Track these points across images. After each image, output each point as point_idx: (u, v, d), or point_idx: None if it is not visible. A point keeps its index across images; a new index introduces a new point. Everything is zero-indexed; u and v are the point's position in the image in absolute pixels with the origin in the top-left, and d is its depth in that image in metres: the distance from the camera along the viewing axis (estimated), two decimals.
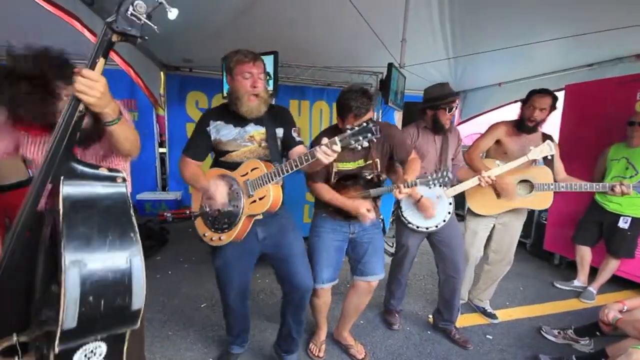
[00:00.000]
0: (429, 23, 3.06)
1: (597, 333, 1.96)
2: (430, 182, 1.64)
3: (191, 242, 3.88)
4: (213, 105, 5.04)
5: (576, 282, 3.08)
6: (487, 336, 2.34)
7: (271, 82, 3.46)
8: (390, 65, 3.34)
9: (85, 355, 0.82)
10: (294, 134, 1.62)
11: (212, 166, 1.69)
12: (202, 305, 2.57)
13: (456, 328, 2.29)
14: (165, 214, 4.63)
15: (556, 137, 3.45)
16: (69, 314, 0.71)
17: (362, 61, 4.07)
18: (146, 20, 0.84)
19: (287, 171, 1.40)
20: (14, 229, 0.85)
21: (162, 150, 5.32)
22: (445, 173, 1.62)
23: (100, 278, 0.75)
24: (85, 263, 0.74)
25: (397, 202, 2.19)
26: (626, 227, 2.71)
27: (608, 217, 2.79)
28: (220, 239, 1.58)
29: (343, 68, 4.26)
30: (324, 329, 2.13)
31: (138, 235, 0.82)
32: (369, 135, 1.19)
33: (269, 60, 3.37)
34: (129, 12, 0.81)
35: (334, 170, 1.78)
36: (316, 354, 2.05)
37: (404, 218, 2.13)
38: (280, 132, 1.63)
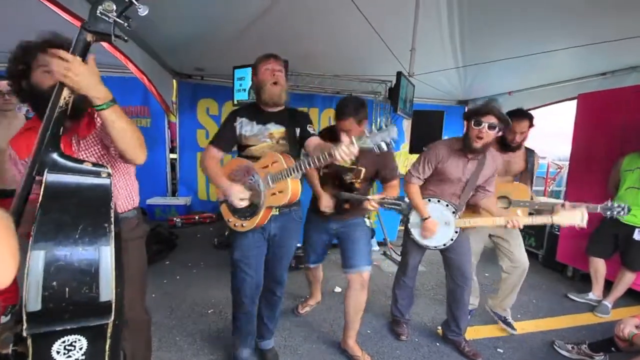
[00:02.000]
0: (438, 32, 3.07)
1: (613, 349, 1.90)
2: (386, 205, 1.74)
3: (200, 248, 3.91)
4: (223, 112, 5.12)
5: (591, 295, 2.99)
6: (498, 350, 2.28)
7: None
8: (399, 74, 3.35)
9: (65, 348, 0.81)
10: (309, 129, 1.77)
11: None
12: (209, 312, 2.57)
13: (466, 340, 2.23)
14: (174, 219, 4.72)
15: (568, 147, 3.41)
16: (31, 296, 0.72)
17: (371, 70, 4.10)
18: (116, 19, 0.88)
19: (306, 167, 1.50)
20: None
21: (172, 156, 5.40)
22: (400, 202, 1.72)
23: (65, 264, 0.76)
24: (52, 247, 0.75)
25: (407, 224, 2.24)
26: None
27: (623, 229, 2.72)
28: (242, 225, 1.72)
29: (352, 76, 4.29)
30: (315, 296, 2.65)
31: (112, 226, 0.83)
32: (388, 138, 1.21)
33: None
34: (99, 12, 0.87)
35: None
36: (299, 311, 2.57)
37: (410, 232, 2.18)
38: (298, 131, 1.78)
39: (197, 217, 4.94)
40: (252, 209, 1.69)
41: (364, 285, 2.03)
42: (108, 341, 0.87)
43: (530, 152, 2.45)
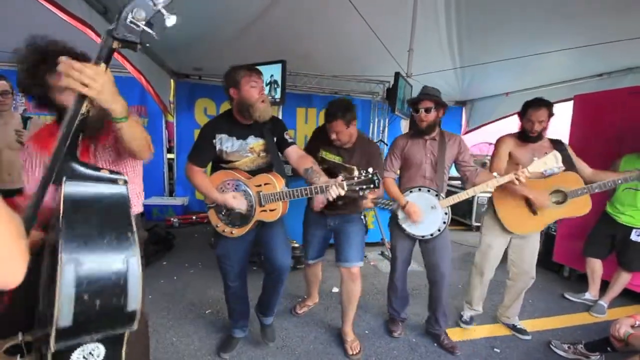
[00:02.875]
0: (436, 33, 3.08)
1: (608, 349, 1.91)
2: (354, 184, 1.63)
3: (197, 248, 3.90)
4: (222, 112, 5.11)
5: (587, 295, 3.01)
6: (495, 349, 2.29)
7: (279, 89, 3.51)
8: (397, 75, 3.36)
9: (84, 357, 0.81)
10: (286, 137, 1.85)
11: (213, 169, 1.88)
12: (207, 312, 2.57)
13: (446, 334, 2.30)
14: (171, 219, 4.71)
15: None
16: (63, 312, 0.71)
17: (369, 70, 4.11)
18: (145, 27, 0.85)
19: (298, 196, 1.63)
20: None
21: (170, 156, 5.39)
22: (369, 174, 1.58)
23: (96, 277, 0.75)
24: (82, 262, 0.74)
25: (394, 214, 2.28)
26: (639, 240, 2.65)
27: (620, 229, 2.74)
28: (232, 232, 1.82)
29: (350, 77, 4.30)
30: (312, 297, 2.66)
31: (136, 236, 0.81)
32: (371, 186, 1.44)
33: (276, 69, 3.42)
34: (128, 20, 0.84)
35: (320, 155, 2.11)
36: (297, 311, 2.60)
37: (400, 224, 2.20)
38: (275, 139, 1.85)
39: (194, 217, 4.93)
40: (242, 219, 1.80)
41: (354, 278, 2.12)
42: (124, 347, 0.87)
43: (557, 142, 2.30)
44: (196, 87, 5.04)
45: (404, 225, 2.18)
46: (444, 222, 2.11)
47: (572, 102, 3.52)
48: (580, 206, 2.23)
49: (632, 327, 1.73)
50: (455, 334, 2.42)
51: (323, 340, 2.28)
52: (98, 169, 0.88)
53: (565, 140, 3.44)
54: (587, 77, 3.78)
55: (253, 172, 1.82)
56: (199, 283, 3.04)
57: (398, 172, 2.27)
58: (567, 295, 3.09)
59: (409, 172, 2.20)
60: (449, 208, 2.12)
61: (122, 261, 0.78)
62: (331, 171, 2.10)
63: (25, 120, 2.34)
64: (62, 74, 0.84)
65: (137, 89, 4.59)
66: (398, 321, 2.43)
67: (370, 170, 1.43)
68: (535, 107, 2.19)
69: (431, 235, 2.13)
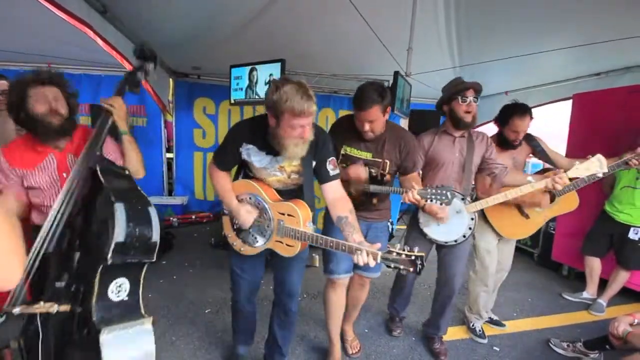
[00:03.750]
0: (435, 32, 3.08)
1: (607, 347, 1.92)
2: (429, 197, 1.59)
3: (196, 247, 3.90)
4: (220, 111, 5.10)
5: (585, 294, 3.02)
6: (494, 348, 2.30)
7: None
8: (396, 74, 3.35)
9: (117, 288, 1.15)
10: (329, 167, 1.54)
11: (238, 174, 1.70)
12: (207, 311, 2.57)
13: (440, 338, 2.25)
14: (171, 218, 4.70)
15: (564, 147, 3.43)
16: (118, 230, 1.09)
17: (368, 69, 4.10)
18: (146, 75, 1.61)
19: (319, 245, 1.36)
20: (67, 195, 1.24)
21: (169, 155, 5.37)
22: (445, 192, 1.56)
23: (134, 212, 1.16)
24: (125, 202, 1.15)
25: (414, 214, 2.12)
26: (637, 239, 2.66)
27: (618, 228, 2.75)
28: (241, 249, 1.64)
29: (349, 76, 4.29)
30: (337, 345, 2.04)
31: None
32: (410, 269, 1.18)
33: (275, 68, 3.42)
34: (145, 71, 1.61)
35: (342, 152, 1.83)
36: None
37: (421, 229, 2.02)
38: (314, 163, 1.55)
39: (193, 217, 4.92)
40: (254, 239, 1.59)
41: (366, 285, 2.03)
42: (141, 285, 1.22)
43: (529, 138, 2.28)
44: (195, 86, 5.03)
45: (425, 230, 2.01)
46: (470, 228, 1.94)
47: (571, 101, 3.54)
48: (569, 202, 2.24)
49: (631, 325, 1.74)
50: (455, 333, 2.43)
51: (323, 340, 2.28)
52: (112, 162, 1.41)
53: (564, 139, 3.46)
54: (586, 76, 3.79)
55: (280, 193, 1.59)
56: (199, 282, 3.03)
57: (420, 172, 2.05)
58: (565, 296, 3.10)
59: (433, 173, 2.02)
60: (476, 214, 1.97)
61: (145, 204, 1.22)
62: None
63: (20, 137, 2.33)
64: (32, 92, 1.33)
65: None
66: (397, 319, 2.42)
67: (417, 251, 1.17)
68: (520, 117, 2.09)
69: (455, 241, 1.97)
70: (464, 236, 1.95)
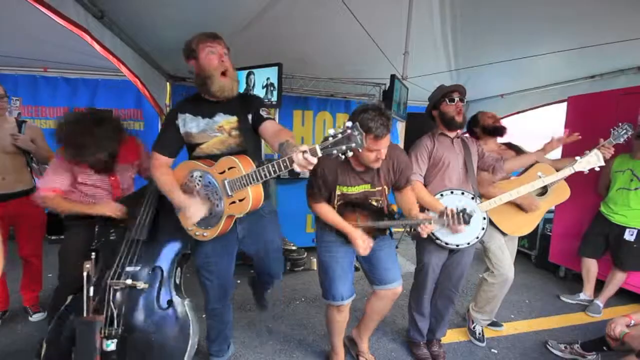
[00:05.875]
0: (431, 36, 3.10)
1: (604, 348, 1.92)
2: (446, 223, 1.64)
3: (193, 251, 3.87)
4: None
5: (582, 295, 3.03)
6: (492, 350, 2.30)
7: (275, 92, 3.51)
8: (393, 77, 3.38)
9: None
10: (262, 113, 1.55)
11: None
12: (203, 316, 2.54)
13: (439, 341, 2.22)
14: None
15: (559, 149, 3.45)
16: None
17: (365, 73, 4.12)
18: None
19: (265, 176, 1.31)
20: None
21: None
22: (462, 214, 1.61)
23: None
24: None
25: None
26: (632, 240, 2.68)
27: (614, 229, 2.77)
28: (204, 235, 1.57)
29: (346, 79, 4.31)
30: (341, 354, 2.00)
31: None
32: (353, 144, 1.06)
33: (273, 72, 3.43)
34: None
35: (337, 193, 1.69)
36: None
37: (432, 234, 1.89)
38: (250, 117, 1.57)
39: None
40: (212, 218, 1.54)
41: (397, 295, 1.82)
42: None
43: (512, 145, 2.44)
44: (192, 90, 4.97)
45: (437, 234, 1.89)
46: (483, 229, 1.90)
47: (565, 103, 3.56)
48: (561, 192, 2.30)
49: (628, 326, 1.75)
50: (453, 335, 2.43)
51: (322, 343, 2.28)
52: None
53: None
54: (581, 79, 3.82)
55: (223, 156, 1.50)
56: (194, 286, 3.01)
57: (422, 178, 1.97)
58: (562, 298, 3.11)
59: (441, 173, 1.95)
60: (487, 213, 1.96)
61: None
62: (363, 204, 1.75)
63: (20, 124, 2.32)
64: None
65: (133, 92, 4.56)
66: (423, 345, 2.21)
67: (349, 124, 1.06)
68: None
69: (468, 244, 1.90)
70: (477, 237, 1.91)
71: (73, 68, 4.14)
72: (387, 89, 3.81)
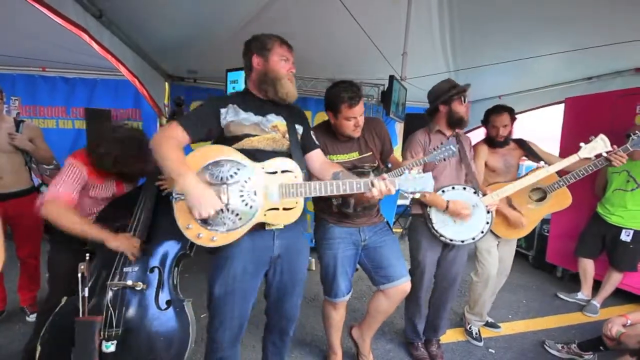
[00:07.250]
0: (430, 37, 3.11)
1: (601, 348, 1.93)
2: (438, 158, 1.67)
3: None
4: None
5: (580, 295, 3.05)
6: (490, 350, 2.31)
7: None
8: (391, 78, 3.39)
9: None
10: (313, 135, 1.56)
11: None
12: (202, 316, 2.55)
13: (438, 341, 2.23)
14: None
15: (557, 150, 3.47)
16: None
17: (364, 73, 4.12)
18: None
19: (332, 192, 1.25)
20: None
21: None
22: (446, 146, 1.64)
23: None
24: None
25: (415, 219, 2.00)
26: (628, 240, 2.69)
27: (610, 229, 2.78)
28: (212, 239, 1.24)
29: (345, 79, 4.31)
30: (339, 353, 2.00)
31: None
32: (420, 188, 1.22)
33: None
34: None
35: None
36: None
37: (435, 231, 1.88)
38: (300, 129, 1.50)
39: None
40: (232, 218, 1.24)
41: (406, 292, 1.78)
42: None
43: (521, 142, 2.36)
44: (191, 90, 5.01)
45: (440, 231, 1.86)
46: (487, 223, 1.86)
47: (563, 104, 3.59)
48: (562, 199, 2.26)
49: (624, 326, 1.76)
50: (451, 335, 2.44)
51: (319, 344, 2.29)
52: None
53: (557, 142, 3.50)
54: (578, 81, 3.84)
55: (268, 156, 1.34)
56: (195, 287, 3.01)
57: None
58: (560, 295, 3.13)
59: (434, 172, 1.78)
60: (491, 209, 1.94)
61: None
62: (356, 169, 1.74)
63: (18, 123, 2.31)
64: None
65: (131, 92, 4.56)
66: (420, 344, 2.21)
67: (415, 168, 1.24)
68: (497, 113, 2.26)
69: (473, 239, 1.87)
70: (482, 232, 1.87)
71: (71, 67, 4.13)
72: (385, 89, 3.82)
